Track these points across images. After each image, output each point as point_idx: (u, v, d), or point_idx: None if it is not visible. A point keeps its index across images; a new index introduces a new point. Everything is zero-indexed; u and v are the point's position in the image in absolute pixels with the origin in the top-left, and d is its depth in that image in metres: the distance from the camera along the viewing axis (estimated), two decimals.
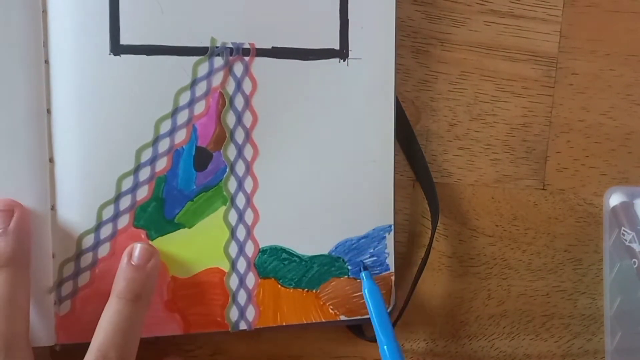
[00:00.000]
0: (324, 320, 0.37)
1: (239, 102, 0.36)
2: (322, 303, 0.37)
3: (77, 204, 0.34)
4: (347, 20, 0.36)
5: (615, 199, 0.41)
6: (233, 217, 0.36)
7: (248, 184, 0.36)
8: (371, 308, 0.36)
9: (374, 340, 0.36)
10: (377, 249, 0.37)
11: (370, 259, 0.37)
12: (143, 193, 0.35)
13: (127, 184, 0.34)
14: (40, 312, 0.34)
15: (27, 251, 0.32)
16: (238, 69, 0.35)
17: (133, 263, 0.33)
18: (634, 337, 0.41)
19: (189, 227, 0.35)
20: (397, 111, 0.37)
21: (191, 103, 0.35)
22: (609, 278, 0.41)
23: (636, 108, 0.43)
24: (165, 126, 0.35)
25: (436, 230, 0.40)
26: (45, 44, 0.33)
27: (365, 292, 0.36)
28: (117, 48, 0.34)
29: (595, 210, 0.42)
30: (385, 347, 0.35)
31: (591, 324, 0.42)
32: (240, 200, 0.36)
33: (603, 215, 0.42)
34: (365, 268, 0.37)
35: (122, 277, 0.33)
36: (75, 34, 0.33)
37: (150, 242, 0.35)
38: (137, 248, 0.34)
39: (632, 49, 0.42)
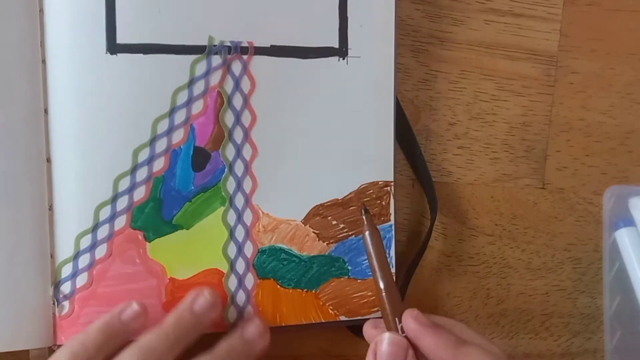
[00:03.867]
0: (323, 321, 0.37)
1: (238, 101, 0.35)
2: (321, 303, 0.37)
3: (74, 204, 0.34)
4: (347, 18, 0.36)
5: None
6: (232, 217, 0.36)
7: (247, 184, 0.36)
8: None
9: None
10: None
11: None
12: (140, 194, 0.34)
13: (124, 184, 0.34)
14: (38, 313, 0.33)
15: None
16: (236, 67, 0.35)
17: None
18: (634, 336, 0.41)
19: (187, 228, 0.35)
20: (396, 110, 0.37)
21: (189, 102, 0.35)
22: (608, 277, 0.41)
23: (636, 107, 0.43)
24: (163, 126, 0.34)
25: (435, 230, 0.40)
26: (42, 44, 0.33)
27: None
28: (114, 47, 0.33)
29: (595, 209, 0.42)
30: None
31: (590, 323, 0.43)
32: (239, 201, 0.36)
33: (603, 214, 0.42)
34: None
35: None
36: (72, 33, 0.33)
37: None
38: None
39: (632, 47, 0.42)
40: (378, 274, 0.33)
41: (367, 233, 0.34)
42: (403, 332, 0.32)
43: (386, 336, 0.31)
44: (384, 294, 0.33)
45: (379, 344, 0.31)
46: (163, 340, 0.31)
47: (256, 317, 0.35)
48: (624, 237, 0.40)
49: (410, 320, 0.31)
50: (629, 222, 0.40)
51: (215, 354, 0.33)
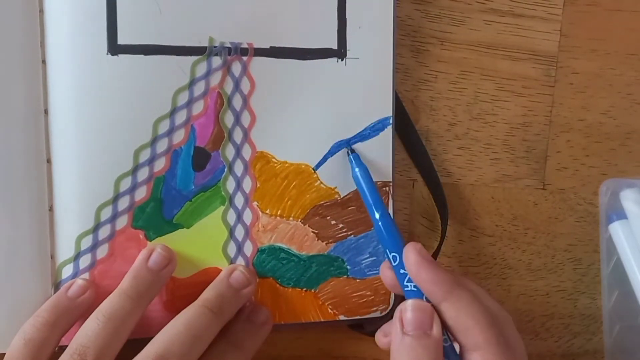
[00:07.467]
0: (322, 320, 0.37)
1: (237, 101, 0.35)
2: (320, 303, 0.37)
3: (75, 204, 0.34)
4: (345, 19, 0.36)
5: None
6: (231, 217, 0.36)
7: (246, 184, 0.36)
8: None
9: (374, 334, 0.36)
10: (376, 249, 0.37)
11: (369, 259, 0.37)
12: (141, 193, 0.35)
13: (126, 184, 0.34)
14: None
15: None
16: (236, 68, 0.35)
17: (232, 283, 0.34)
18: (632, 330, 0.40)
19: (188, 228, 0.35)
20: (398, 110, 0.37)
21: (189, 103, 0.35)
22: (606, 271, 0.41)
23: (636, 107, 0.42)
24: (164, 126, 0.35)
25: (435, 231, 0.40)
26: (43, 44, 0.33)
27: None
28: (115, 48, 0.34)
29: (595, 209, 0.42)
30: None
31: (591, 324, 0.42)
32: (239, 200, 0.36)
33: (599, 208, 0.42)
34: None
35: (215, 290, 0.34)
36: (72, 33, 0.33)
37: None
38: (238, 271, 0.35)
39: (632, 47, 0.42)
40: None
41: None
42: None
43: (409, 303, 0.30)
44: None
45: (404, 312, 0.30)
46: (124, 299, 0.32)
47: (240, 264, 0.35)
48: (617, 230, 0.39)
49: (412, 251, 0.30)
50: (622, 215, 0.40)
51: (205, 299, 0.33)
